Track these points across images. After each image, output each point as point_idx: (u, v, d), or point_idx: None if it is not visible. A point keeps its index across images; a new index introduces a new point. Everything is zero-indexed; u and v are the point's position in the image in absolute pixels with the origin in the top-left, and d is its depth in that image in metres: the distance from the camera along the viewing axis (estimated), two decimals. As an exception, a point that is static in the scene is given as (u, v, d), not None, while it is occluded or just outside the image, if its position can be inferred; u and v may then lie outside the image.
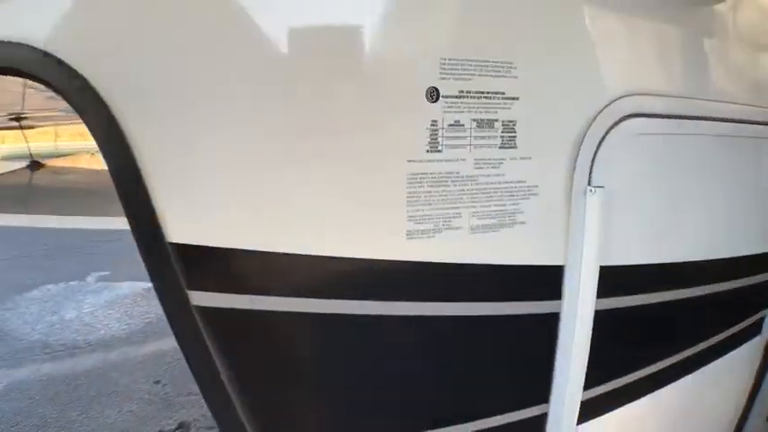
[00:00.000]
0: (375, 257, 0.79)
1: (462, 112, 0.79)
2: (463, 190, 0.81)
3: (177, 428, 2.38)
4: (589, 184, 0.88)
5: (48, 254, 4.57)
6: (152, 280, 0.74)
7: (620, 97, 0.89)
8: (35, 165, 6.86)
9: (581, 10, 0.87)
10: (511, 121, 0.82)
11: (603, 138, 0.88)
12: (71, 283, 3.97)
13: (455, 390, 0.90)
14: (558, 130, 0.87)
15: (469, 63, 0.78)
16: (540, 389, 0.94)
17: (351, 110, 0.75)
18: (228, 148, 0.72)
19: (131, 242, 0.72)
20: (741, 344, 1.24)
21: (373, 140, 0.76)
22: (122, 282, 4.00)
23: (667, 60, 0.99)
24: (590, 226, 0.88)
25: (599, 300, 0.91)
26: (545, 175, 0.87)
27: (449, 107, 0.78)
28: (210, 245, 0.72)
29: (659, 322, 1.04)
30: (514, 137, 0.83)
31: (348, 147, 0.75)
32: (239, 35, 0.70)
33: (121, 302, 3.69)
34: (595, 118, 0.87)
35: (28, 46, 0.65)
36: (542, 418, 0.95)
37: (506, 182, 0.84)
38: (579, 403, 0.95)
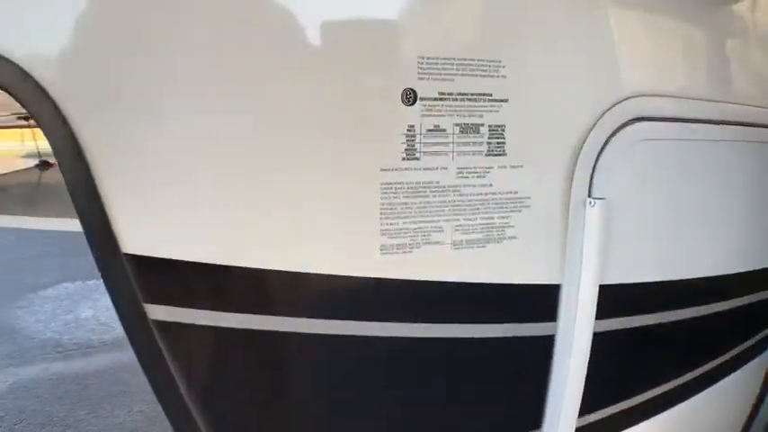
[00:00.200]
0: (345, 274, 0.74)
1: (443, 115, 0.73)
2: (444, 201, 0.76)
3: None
4: (589, 195, 0.82)
5: (64, 253, 4.62)
6: (108, 291, 0.71)
7: (624, 99, 0.82)
8: (44, 164, 6.97)
9: (579, 2, 0.80)
10: (499, 126, 0.76)
11: (605, 144, 0.81)
12: (88, 282, 4.00)
13: (437, 417, 0.85)
14: (553, 136, 0.81)
15: (451, 62, 0.72)
16: (532, 415, 0.89)
17: (317, 113, 0.70)
18: (185, 155, 0.68)
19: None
20: (744, 364, 1.16)
21: (342, 147, 0.71)
22: (140, 281, 4.02)
23: (676, 60, 0.92)
24: (589, 241, 0.82)
25: (597, 321, 0.85)
26: (539, 185, 0.81)
27: (427, 110, 0.72)
28: (168, 257, 0.69)
29: (660, 344, 0.97)
30: (503, 143, 0.77)
31: (314, 154, 0.70)
32: (198, 35, 0.66)
33: (137, 302, 3.71)
34: (596, 122, 0.81)
35: None
36: None
37: (494, 192, 0.78)
38: (574, 430, 0.89)
